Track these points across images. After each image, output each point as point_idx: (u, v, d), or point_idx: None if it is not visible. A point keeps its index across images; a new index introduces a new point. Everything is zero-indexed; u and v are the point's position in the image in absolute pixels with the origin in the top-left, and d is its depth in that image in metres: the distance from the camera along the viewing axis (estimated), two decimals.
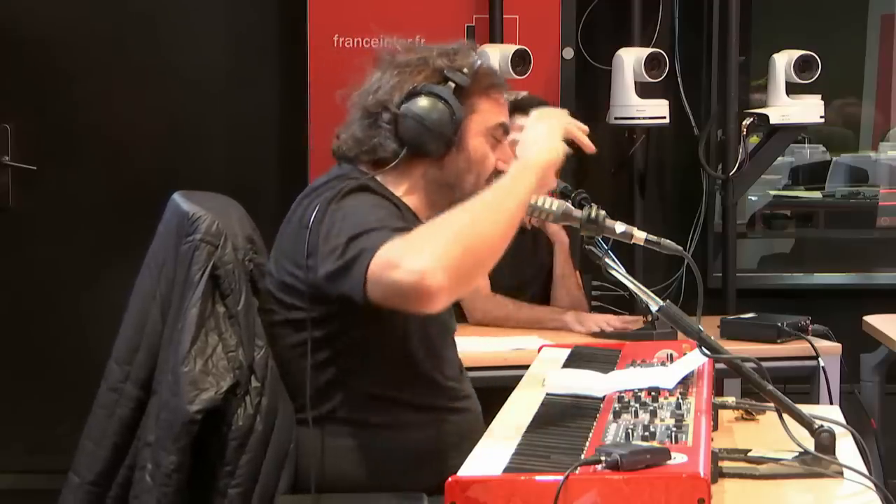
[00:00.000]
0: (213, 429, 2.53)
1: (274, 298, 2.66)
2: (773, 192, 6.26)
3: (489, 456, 2.14)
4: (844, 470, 2.30)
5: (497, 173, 2.72)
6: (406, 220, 2.60)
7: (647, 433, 2.18)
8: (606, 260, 2.61)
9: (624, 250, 3.32)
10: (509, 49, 4.78)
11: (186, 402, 2.49)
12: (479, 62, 2.72)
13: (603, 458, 2.01)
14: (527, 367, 2.89)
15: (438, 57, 2.69)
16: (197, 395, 2.50)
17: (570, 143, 2.61)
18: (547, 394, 2.55)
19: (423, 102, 2.64)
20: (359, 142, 2.69)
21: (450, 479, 2.02)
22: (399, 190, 2.70)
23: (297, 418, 2.62)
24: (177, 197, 2.71)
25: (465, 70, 2.68)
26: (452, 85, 2.66)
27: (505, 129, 2.75)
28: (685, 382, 2.54)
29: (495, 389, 2.68)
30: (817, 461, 2.31)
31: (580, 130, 2.59)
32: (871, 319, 4.40)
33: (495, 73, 2.78)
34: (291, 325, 2.63)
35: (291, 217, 2.68)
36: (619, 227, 2.54)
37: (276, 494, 2.56)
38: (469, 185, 2.70)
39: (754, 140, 5.13)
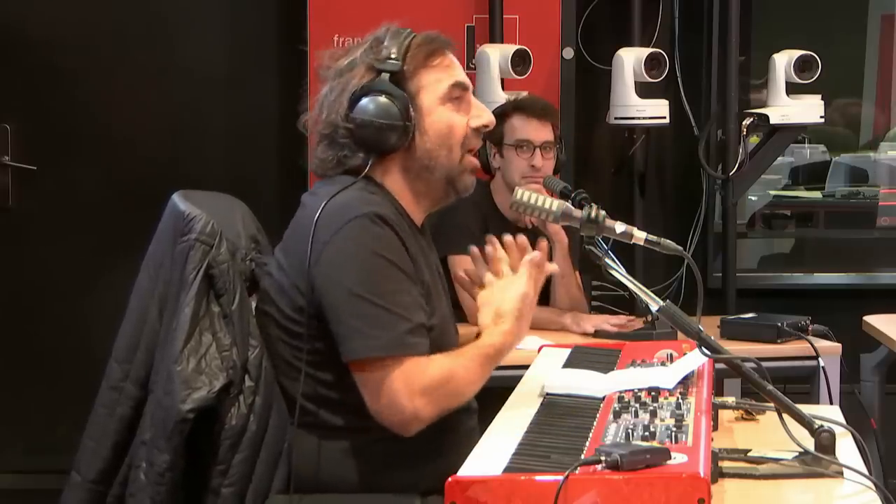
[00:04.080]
0: (206, 428, 2.52)
1: (273, 302, 2.65)
2: (773, 192, 6.26)
3: (489, 456, 2.14)
4: (844, 470, 2.30)
5: (475, 131, 2.72)
6: (406, 232, 2.61)
7: (647, 433, 2.18)
8: (606, 260, 2.61)
9: (624, 250, 3.32)
10: (509, 49, 4.78)
11: (179, 400, 2.49)
12: (408, 39, 2.67)
13: (603, 458, 2.01)
14: (527, 367, 2.89)
15: (365, 53, 2.67)
16: (189, 394, 2.50)
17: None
18: (547, 394, 2.55)
19: (365, 104, 2.62)
20: (325, 162, 2.69)
21: (450, 479, 2.02)
22: (388, 189, 2.69)
23: (291, 419, 2.62)
24: (175, 197, 2.71)
25: (394, 55, 2.64)
26: (387, 75, 2.64)
27: (462, 87, 2.71)
28: (685, 382, 2.54)
29: (495, 389, 2.68)
30: (817, 461, 2.31)
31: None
32: (871, 319, 4.40)
33: (430, 41, 2.70)
34: (287, 332, 2.63)
35: (297, 222, 2.67)
36: (619, 227, 2.53)
37: (270, 494, 2.56)
38: (444, 159, 2.68)
39: (754, 140, 5.14)
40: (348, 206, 2.58)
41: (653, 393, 2.45)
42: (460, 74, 2.72)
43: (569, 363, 2.83)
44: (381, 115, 2.61)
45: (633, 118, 4.94)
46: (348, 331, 2.53)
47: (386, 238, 2.57)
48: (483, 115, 2.73)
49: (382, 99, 2.62)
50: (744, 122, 4.99)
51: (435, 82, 2.68)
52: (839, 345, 4.08)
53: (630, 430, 2.21)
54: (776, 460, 2.35)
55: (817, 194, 6.40)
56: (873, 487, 2.24)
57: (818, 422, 2.34)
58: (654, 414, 2.31)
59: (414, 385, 2.51)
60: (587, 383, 2.55)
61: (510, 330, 2.62)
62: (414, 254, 2.63)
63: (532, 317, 2.66)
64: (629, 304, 4.84)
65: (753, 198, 6.06)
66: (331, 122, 2.66)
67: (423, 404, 2.52)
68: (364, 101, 2.62)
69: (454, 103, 2.69)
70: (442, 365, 2.56)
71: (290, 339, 2.62)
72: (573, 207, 2.57)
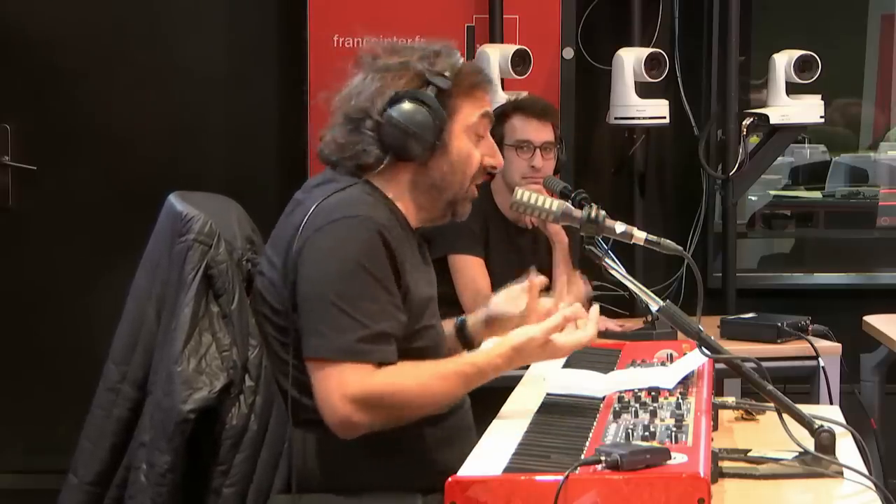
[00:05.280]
0: (207, 428, 2.53)
1: (265, 300, 2.65)
2: (773, 192, 6.26)
3: (489, 456, 2.14)
4: (844, 470, 2.30)
5: (483, 169, 2.73)
6: (397, 236, 2.60)
7: (647, 433, 2.18)
8: (606, 260, 2.61)
9: (624, 250, 3.32)
10: (509, 49, 4.78)
11: (180, 401, 2.50)
12: (460, 62, 2.70)
13: (603, 458, 2.01)
14: (527, 367, 2.89)
15: (420, 60, 2.67)
16: (190, 395, 2.50)
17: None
18: (547, 394, 2.55)
19: (405, 108, 2.62)
20: (341, 147, 2.68)
21: (450, 479, 2.02)
22: (388, 194, 2.69)
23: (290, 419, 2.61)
24: (172, 198, 2.71)
25: (447, 73, 2.66)
26: (434, 89, 2.65)
27: (489, 118, 2.74)
28: (685, 382, 2.54)
29: (495, 389, 2.68)
30: (817, 461, 2.31)
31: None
32: (871, 319, 4.40)
33: (478, 72, 2.75)
34: (279, 329, 2.62)
35: (287, 218, 2.67)
36: (619, 227, 2.54)
37: (271, 493, 2.56)
38: (455, 186, 2.70)
39: (754, 140, 5.13)
40: (338, 206, 2.58)
41: (653, 393, 2.45)
42: (489, 105, 2.76)
43: (569, 363, 2.83)
44: (414, 123, 2.61)
45: (633, 118, 4.94)
46: (308, 328, 2.54)
47: (367, 243, 2.55)
48: (495, 157, 2.75)
49: (423, 109, 2.62)
50: (744, 122, 4.99)
51: (470, 110, 2.70)
52: (839, 345, 4.08)
53: (630, 430, 2.21)
54: (776, 460, 2.35)
55: (817, 194, 6.40)
56: (873, 487, 2.24)
57: (818, 422, 2.34)
58: (654, 414, 2.31)
59: (346, 390, 2.49)
60: (587, 383, 2.55)
61: (501, 353, 2.59)
62: (402, 260, 2.60)
63: None
64: (629, 304, 4.84)
65: (753, 198, 6.06)
66: (363, 109, 2.65)
67: (353, 411, 2.49)
68: (405, 104, 2.62)
69: (477, 137, 2.72)
70: (387, 378, 2.52)
71: (280, 335, 2.62)
72: (573, 207, 2.58)
